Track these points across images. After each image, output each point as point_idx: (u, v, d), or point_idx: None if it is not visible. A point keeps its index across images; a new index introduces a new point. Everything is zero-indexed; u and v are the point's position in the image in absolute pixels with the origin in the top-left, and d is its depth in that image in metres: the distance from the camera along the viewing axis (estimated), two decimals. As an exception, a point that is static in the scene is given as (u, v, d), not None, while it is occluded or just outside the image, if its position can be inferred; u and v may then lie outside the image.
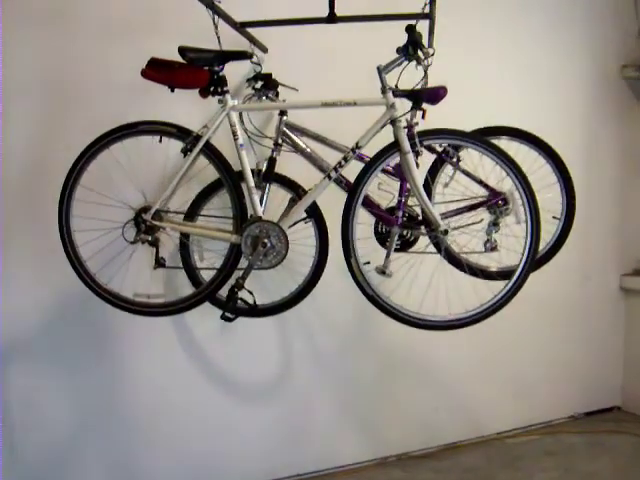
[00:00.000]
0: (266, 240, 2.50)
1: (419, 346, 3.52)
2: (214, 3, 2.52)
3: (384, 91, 2.46)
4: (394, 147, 2.46)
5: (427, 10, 2.61)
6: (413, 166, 2.44)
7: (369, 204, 2.69)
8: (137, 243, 2.53)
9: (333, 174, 2.52)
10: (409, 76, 2.58)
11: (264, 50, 3.14)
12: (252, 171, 2.72)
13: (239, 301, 2.59)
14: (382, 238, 2.76)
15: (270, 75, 2.92)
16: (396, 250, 2.76)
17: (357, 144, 2.50)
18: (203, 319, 3.07)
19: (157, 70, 2.47)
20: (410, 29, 2.39)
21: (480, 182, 2.86)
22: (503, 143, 2.70)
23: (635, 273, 4.15)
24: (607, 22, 3.83)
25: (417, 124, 2.79)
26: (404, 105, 2.53)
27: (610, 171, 4.00)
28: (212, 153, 2.53)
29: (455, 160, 2.85)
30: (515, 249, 2.61)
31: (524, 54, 3.68)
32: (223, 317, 2.59)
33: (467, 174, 2.87)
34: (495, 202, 2.82)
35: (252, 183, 2.54)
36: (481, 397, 3.83)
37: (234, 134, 2.52)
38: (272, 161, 2.78)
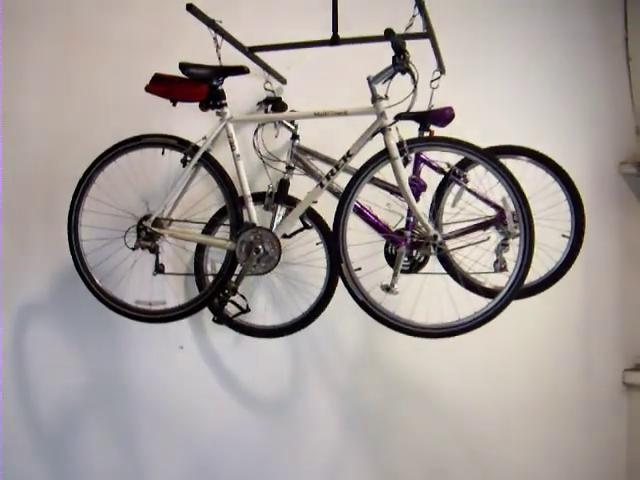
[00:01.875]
0: (260, 246, 2.57)
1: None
2: (214, 22, 2.66)
3: (374, 100, 2.52)
4: (384, 154, 2.50)
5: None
6: (402, 172, 2.46)
7: (376, 225, 2.71)
8: (138, 249, 2.63)
9: (325, 182, 2.58)
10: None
11: (282, 81, 3.26)
12: (264, 193, 2.83)
13: (232, 304, 2.62)
14: (392, 260, 2.75)
15: (280, 99, 3.05)
16: (406, 272, 2.77)
17: (348, 152, 2.55)
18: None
19: (158, 85, 2.61)
20: (388, 34, 2.40)
21: (487, 201, 2.86)
22: (509, 162, 2.72)
23: (638, 368, 4.05)
24: (604, 119, 3.90)
25: None
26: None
27: (610, 267, 3.98)
28: (210, 163, 2.63)
29: (462, 179, 2.86)
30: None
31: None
32: (214, 320, 2.64)
33: (474, 194, 2.88)
34: (500, 220, 2.82)
35: (248, 192, 2.62)
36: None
37: (231, 145, 2.62)
38: (284, 183, 2.86)
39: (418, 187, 2.87)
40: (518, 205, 2.46)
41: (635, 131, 4.00)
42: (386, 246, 2.80)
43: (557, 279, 2.87)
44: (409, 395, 3.47)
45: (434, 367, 3.38)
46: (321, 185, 2.58)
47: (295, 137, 2.91)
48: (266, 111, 2.97)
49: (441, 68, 3.06)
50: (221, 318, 2.66)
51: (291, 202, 2.86)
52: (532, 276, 2.75)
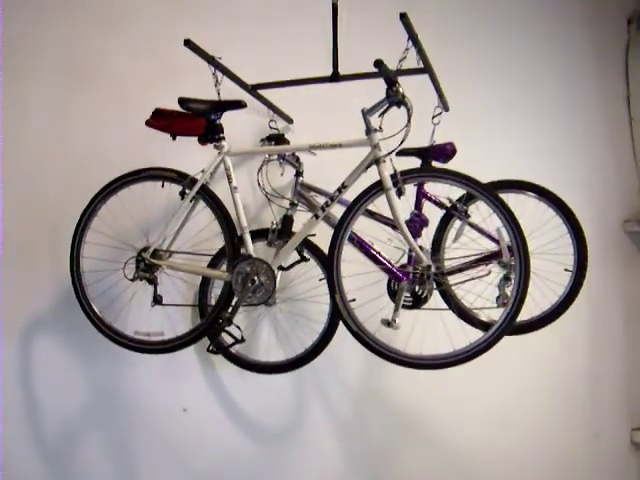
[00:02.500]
0: (255, 277, 2.58)
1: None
2: (214, 58, 2.73)
3: (368, 132, 2.54)
4: (378, 185, 2.51)
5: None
6: (396, 202, 2.47)
7: (378, 260, 2.70)
8: (136, 280, 2.67)
9: (320, 214, 2.60)
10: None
11: (289, 121, 3.32)
12: (268, 229, 2.86)
13: (226, 334, 2.62)
14: (395, 296, 2.71)
15: (282, 135, 3.09)
16: (408, 307, 2.75)
17: (343, 184, 2.57)
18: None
19: (158, 119, 2.68)
20: (378, 64, 2.41)
21: (489, 236, 2.84)
22: (510, 197, 2.73)
23: (646, 427, 4.00)
24: (608, 178, 3.96)
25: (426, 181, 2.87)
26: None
27: (615, 326, 3.98)
28: (209, 196, 2.67)
29: (463, 214, 2.86)
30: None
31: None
32: (209, 350, 2.64)
33: (476, 228, 2.87)
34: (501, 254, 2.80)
35: (245, 223, 2.65)
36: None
37: (229, 177, 2.66)
38: (287, 219, 2.90)
39: (420, 222, 2.87)
40: (513, 236, 2.44)
41: (638, 189, 4.05)
42: (389, 282, 2.79)
43: (560, 313, 2.81)
44: (409, 429, 3.45)
45: (437, 408, 3.39)
46: (316, 217, 2.60)
47: (299, 174, 2.95)
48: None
49: (444, 105, 3.09)
50: (216, 347, 2.66)
51: (305, 246, 2.86)
52: (535, 311, 2.76)
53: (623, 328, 3.91)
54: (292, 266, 2.78)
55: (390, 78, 2.41)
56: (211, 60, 2.74)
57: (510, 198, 2.84)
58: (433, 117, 3.04)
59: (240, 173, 3.23)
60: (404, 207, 2.79)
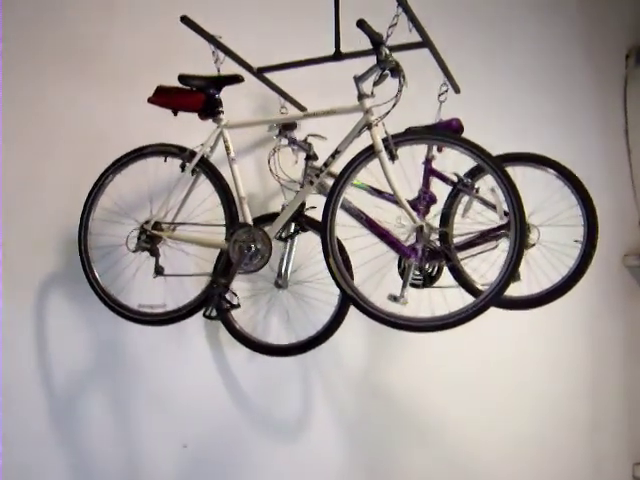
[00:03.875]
0: (252, 244, 2.61)
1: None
2: (213, 37, 2.81)
3: (360, 98, 2.56)
4: (370, 149, 2.51)
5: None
6: (387, 164, 2.45)
7: (387, 237, 2.68)
8: (138, 252, 2.73)
9: (315, 180, 2.62)
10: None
11: (302, 109, 3.36)
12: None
13: (221, 301, 2.63)
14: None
15: (295, 124, 3.13)
16: (417, 286, 2.75)
17: (337, 150, 2.59)
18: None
19: (159, 96, 2.76)
20: (360, 23, 2.41)
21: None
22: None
23: (647, 461, 3.89)
24: (608, 212, 3.97)
25: (434, 158, 2.87)
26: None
27: (615, 361, 3.94)
28: (208, 168, 2.73)
29: (470, 188, 2.83)
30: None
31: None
32: (205, 315, 2.65)
33: (484, 202, 2.83)
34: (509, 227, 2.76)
35: (243, 193, 2.69)
36: None
37: (227, 149, 2.72)
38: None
39: (428, 200, 2.86)
40: (507, 194, 2.39)
41: (638, 223, 4.05)
42: (399, 261, 2.78)
43: (571, 286, 2.73)
44: (411, 425, 3.44)
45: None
46: (311, 183, 2.62)
47: (309, 158, 2.98)
48: (280, 134, 3.04)
49: (453, 86, 3.10)
50: (212, 313, 2.67)
51: (310, 225, 2.88)
52: (546, 284, 2.70)
53: (624, 361, 3.94)
54: (291, 236, 2.79)
55: (375, 38, 2.43)
56: (210, 39, 2.81)
57: (517, 172, 2.82)
58: (439, 95, 3.06)
59: (249, 160, 3.34)
60: (413, 185, 2.81)
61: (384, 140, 2.48)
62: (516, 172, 2.82)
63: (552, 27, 3.98)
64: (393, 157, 2.50)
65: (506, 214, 2.46)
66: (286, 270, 3.01)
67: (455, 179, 2.85)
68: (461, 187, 2.83)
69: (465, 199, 2.85)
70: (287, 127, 3.02)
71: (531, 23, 3.97)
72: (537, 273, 2.79)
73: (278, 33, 3.43)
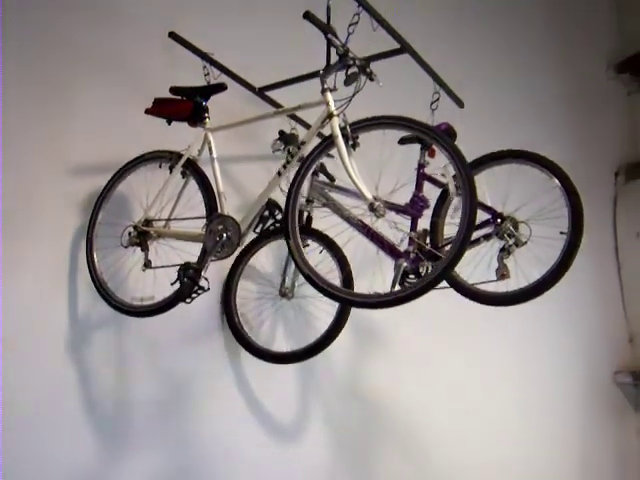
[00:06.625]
0: (224, 233, 2.75)
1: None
2: (206, 54, 3.08)
3: (323, 92, 2.69)
4: (329, 138, 2.62)
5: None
6: (342, 148, 2.53)
7: (378, 239, 2.78)
8: (129, 247, 2.95)
9: (282, 171, 2.75)
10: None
11: (308, 126, 3.50)
12: None
13: (188, 282, 2.75)
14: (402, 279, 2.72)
15: (293, 134, 3.30)
16: None
17: (302, 141, 2.73)
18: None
19: (154, 106, 3.04)
20: (306, 15, 2.54)
21: (483, 206, 2.80)
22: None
23: None
24: (598, 329, 3.90)
25: (428, 164, 2.95)
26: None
27: (607, 475, 3.91)
28: (194, 169, 2.94)
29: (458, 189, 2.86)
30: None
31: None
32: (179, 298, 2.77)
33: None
34: (494, 221, 2.77)
35: (222, 188, 2.87)
36: None
37: (210, 150, 2.93)
38: (300, 215, 3.01)
39: (420, 204, 2.91)
40: (457, 168, 2.42)
41: (628, 339, 4.14)
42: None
43: (558, 278, 2.68)
44: (397, 432, 3.37)
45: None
46: (279, 174, 2.76)
47: (315, 173, 3.12)
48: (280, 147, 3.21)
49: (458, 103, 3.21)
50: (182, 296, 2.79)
51: (310, 233, 3.03)
52: (532, 278, 2.67)
53: (615, 478, 3.91)
54: (267, 229, 2.91)
55: (322, 28, 2.57)
56: (204, 56, 3.09)
57: (503, 170, 2.85)
58: (431, 103, 3.15)
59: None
60: (405, 191, 2.87)
61: (342, 128, 2.59)
62: (502, 171, 2.87)
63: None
64: (354, 145, 2.60)
65: (458, 187, 2.47)
66: (292, 280, 3.19)
67: (443, 180, 2.88)
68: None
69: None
70: (289, 141, 3.19)
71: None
72: (523, 267, 2.76)
73: (272, 42, 3.64)
